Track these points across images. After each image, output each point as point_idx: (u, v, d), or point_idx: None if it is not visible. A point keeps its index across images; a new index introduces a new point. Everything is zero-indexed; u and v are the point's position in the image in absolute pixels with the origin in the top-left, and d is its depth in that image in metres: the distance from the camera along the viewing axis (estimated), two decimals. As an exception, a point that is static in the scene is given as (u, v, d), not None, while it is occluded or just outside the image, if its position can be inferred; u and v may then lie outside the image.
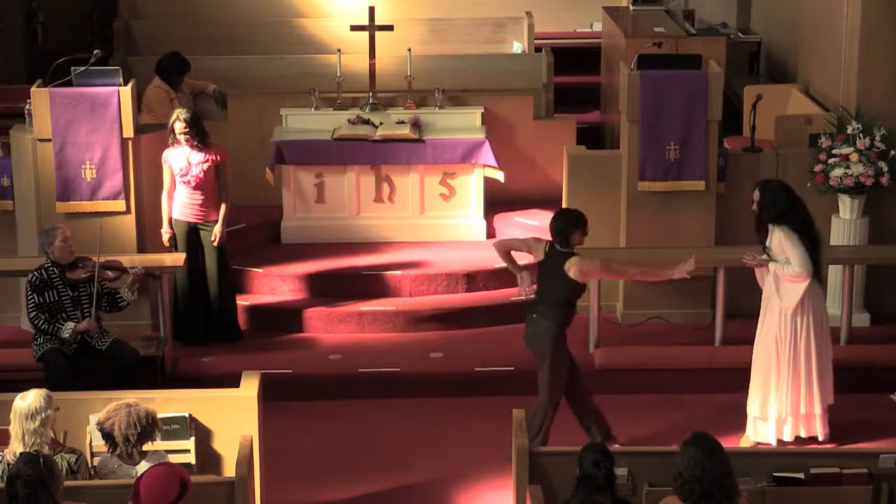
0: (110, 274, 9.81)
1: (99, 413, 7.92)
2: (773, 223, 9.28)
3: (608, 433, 9.34)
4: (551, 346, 9.09)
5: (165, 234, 10.80)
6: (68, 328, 9.58)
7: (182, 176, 10.65)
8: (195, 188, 10.67)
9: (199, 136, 10.63)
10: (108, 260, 9.85)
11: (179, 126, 10.56)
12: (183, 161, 10.63)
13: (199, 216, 10.75)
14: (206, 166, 10.64)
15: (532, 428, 8.98)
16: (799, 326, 9.30)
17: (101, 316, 9.86)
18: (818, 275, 9.32)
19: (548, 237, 9.24)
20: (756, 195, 9.36)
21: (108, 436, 7.67)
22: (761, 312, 9.48)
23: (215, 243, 10.78)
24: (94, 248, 9.89)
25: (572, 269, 9.00)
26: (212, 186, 10.73)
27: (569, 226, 9.09)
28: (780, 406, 9.38)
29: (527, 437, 8.07)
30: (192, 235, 10.78)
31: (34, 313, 9.64)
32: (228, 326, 11.03)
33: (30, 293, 9.69)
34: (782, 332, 9.31)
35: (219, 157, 10.73)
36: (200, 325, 10.95)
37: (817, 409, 9.41)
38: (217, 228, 10.76)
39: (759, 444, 9.48)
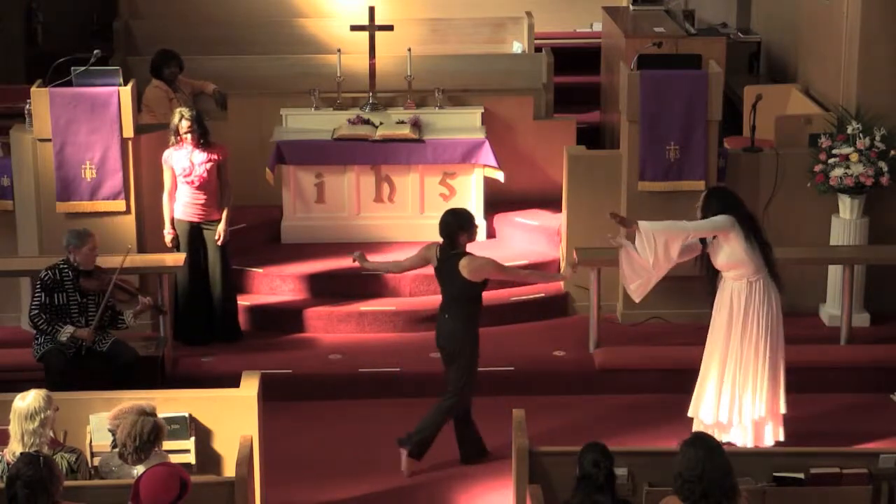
0: (122, 295, 9.79)
1: (99, 412, 7.95)
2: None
3: (481, 449, 9.48)
4: (465, 343, 9.18)
5: (168, 234, 10.79)
6: (67, 332, 9.55)
7: (185, 176, 10.64)
8: (198, 188, 10.66)
9: (204, 134, 10.64)
10: (124, 281, 9.84)
11: (185, 124, 10.55)
12: (186, 161, 10.62)
13: (201, 216, 10.75)
14: (209, 166, 10.64)
15: (431, 412, 9.25)
16: (751, 327, 9.18)
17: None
18: (774, 276, 9.23)
19: (438, 241, 9.29)
20: (700, 202, 9.22)
21: (112, 433, 7.69)
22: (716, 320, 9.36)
23: (219, 242, 10.78)
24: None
25: (466, 269, 9.10)
26: (214, 186, 10.73)
27: (454, 227, 9.14)
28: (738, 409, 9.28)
29: (526, 438, 8.12)
30: (194, 235, 10.77)
31: (36, 312, 9.61)
32: (229, 326, 11.02)
33: (38, 291, 9.65)
34: (734, 332, 9.21)
35: (221, 156, 10.74)
36: (201, 325, 10.94)
37: (764, 414, 9.24)
38: (221, 227, 10.76)
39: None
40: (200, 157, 10.63)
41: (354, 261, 9.49)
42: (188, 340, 10.92)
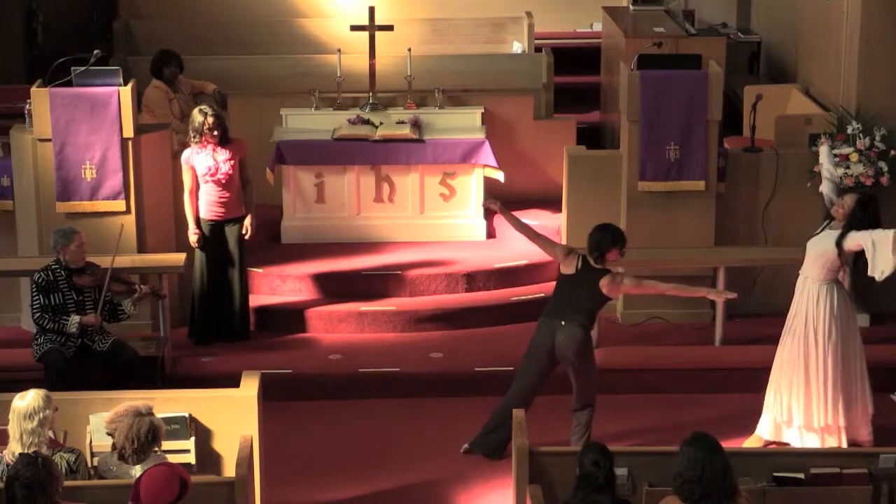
0: (118, 287, 9.78)
1: (99, 412, 7.94)
2: (853, 230, 9.14)
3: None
4: (587, 349, 9.28)
5: (194, 234, 10.72)
6: (74, 322, 9.55)
7: (211, 176, 10.58)
8: (225, 186, 10.63)
9: (226, 131, 10.62)
10: (118, 272, 9.83)
11: (212, 120, 10.49)
12: (210, 161, 10.57)
13: (227, 213, 10.71)
14: (232, 162, 10.62)
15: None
16: (827, 331, 9.22)
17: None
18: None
19: (579, 248, 9.35)
20: (848, 202, 9.13)
21: (111, 436, 7.68)
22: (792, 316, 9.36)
23: (248, 236, 10.78)
24: (95, 250, 9.89)
25: (606, 286, 9.13)
26: (238, 181, 10.71)
27: (608, 242, 9.15)
28: (801, 414, 9.29)
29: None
30: (216, 233, 10.75)
31: (38, 314, 9.61)
32: (242, 325, 10.99)
33: (35, 293, 9.65)
34: (811, 337, 9.24)
35: (243, 151, 10.73)
36: (213, 324, 10.90)
37: (840, 422, 9.29)
38: (248, 221, 10.75)
39: (770, 443, 9.42)
40: (224, 154, 10.60)
41: (487, 204, 9.72)
42: (201, 341, 10.89)
